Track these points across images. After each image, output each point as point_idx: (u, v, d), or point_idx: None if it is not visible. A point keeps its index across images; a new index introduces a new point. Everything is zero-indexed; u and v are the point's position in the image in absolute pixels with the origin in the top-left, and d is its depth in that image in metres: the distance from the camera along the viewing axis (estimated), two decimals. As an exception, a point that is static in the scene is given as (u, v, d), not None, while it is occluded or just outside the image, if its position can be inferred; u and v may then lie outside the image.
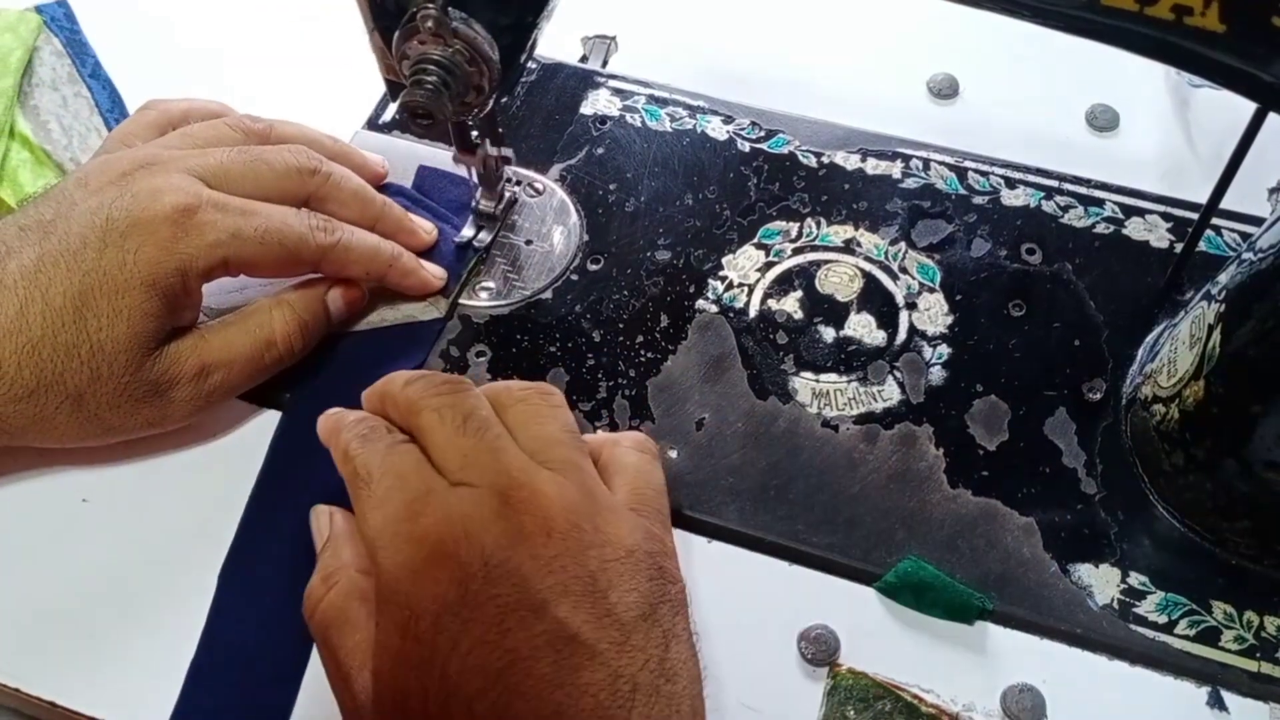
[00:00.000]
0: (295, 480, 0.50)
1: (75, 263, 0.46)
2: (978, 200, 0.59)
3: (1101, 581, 0.48)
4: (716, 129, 0.62)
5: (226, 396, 0.51)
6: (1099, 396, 0.52)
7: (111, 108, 0.64)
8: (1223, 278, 0.47)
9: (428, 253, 0.57)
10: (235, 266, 0.49)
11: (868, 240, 0.58)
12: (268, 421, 0.53)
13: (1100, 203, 0.58)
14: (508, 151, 0.55)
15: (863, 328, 0.55)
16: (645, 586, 0.41)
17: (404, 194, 0.59)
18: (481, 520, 0.40)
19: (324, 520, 0.46)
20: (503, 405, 0.45)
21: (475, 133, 0.54)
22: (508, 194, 0.58)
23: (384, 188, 0.58)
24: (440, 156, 0.60)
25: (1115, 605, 0.47)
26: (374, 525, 0.41)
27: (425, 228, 0.56)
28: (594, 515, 0.41)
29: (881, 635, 0.47)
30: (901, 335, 0.55)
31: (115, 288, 0.46)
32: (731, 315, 0.55)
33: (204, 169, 0.49)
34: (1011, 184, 0.59)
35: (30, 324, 0.46)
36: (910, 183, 0.60)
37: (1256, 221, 0.57)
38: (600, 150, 0.61)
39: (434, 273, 0.55)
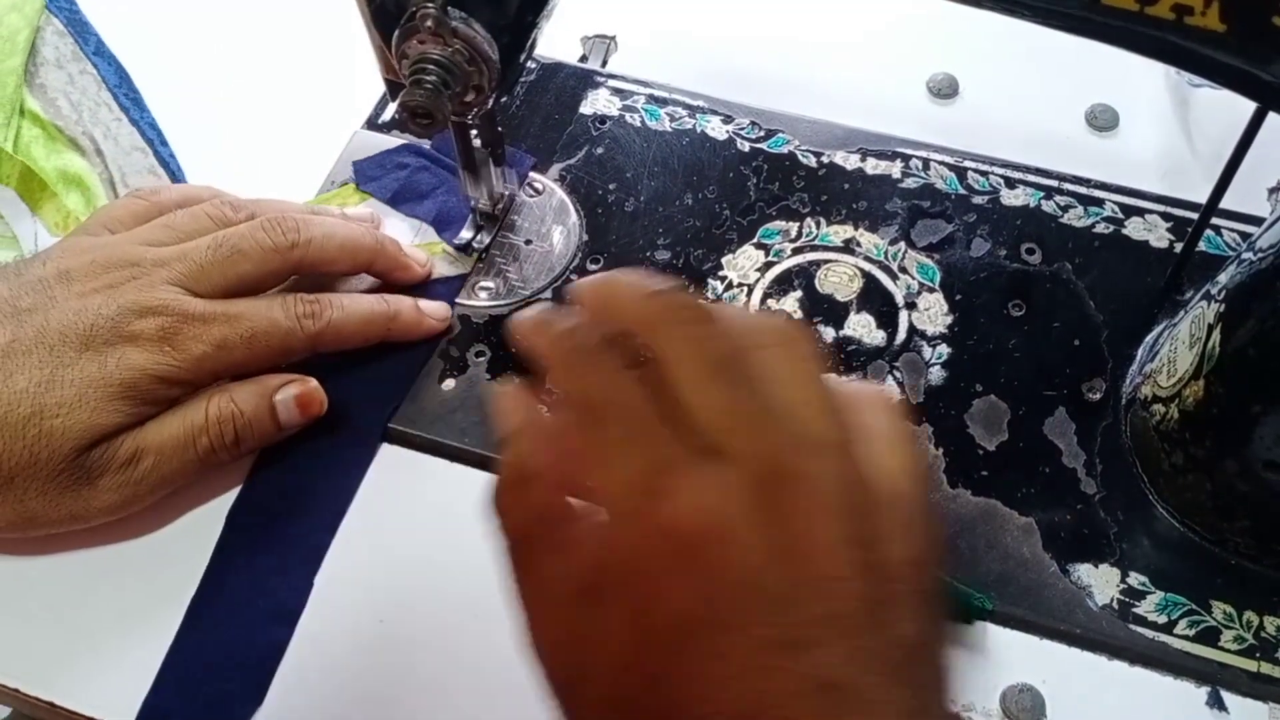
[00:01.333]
0: (309, 441, 0.51)
1: (50, 356, 0.45)
2: (977, 200, 0.59)
3: (1101, 581, 0.48)
4: (716, 129, 0.62)
5: (156, 489, 0.48)
6: (1098, 396, 0.52)
7: (119, 83, 0.64)
8: (1222, 277, 0.47)
9: (449, 218, 0.57)
10: (224, 374, 0.49)
11: (867, 240, 0.58)
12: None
13: (1100, 202, 0.58)
14: (512, 184, 0.56)
15: (862, 327, 0.55)
16: (924, 613, 0.32)
17: (423, 154, 0.60)
18: (742, 518, 0.31)
19: (513, 403, 0.38)
20: (741, 351, 0.34)
21: (477, 140, 0.54)
22: (506, 193, 0.58)
23: (403, 149, 0.60)
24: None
25: (1115, 605, 0.47)
26: (604, 486, 0.33)
27: (419, 260, 0.55)
28: (876, 518, 0.32)
29: (881, 635, 0.47)
30: (901, 335, 0.55)
31: (88, 381, 0.45)
32: (731, 315, 0.55)
33: (185, 275, 0.48)
34: (1011, 184, 0.59)
35: None
36: (910, 182, 0.60)
37: (1256, 221, 0.57)
38: (600, 150, 0.61)
39: (436, 316, 0.54)
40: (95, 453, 0.46)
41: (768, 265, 0.57)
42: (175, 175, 0.61)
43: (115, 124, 0.62)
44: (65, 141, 0.61)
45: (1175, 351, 0.48)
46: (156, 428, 0.47)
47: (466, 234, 0.57)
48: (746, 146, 0.61)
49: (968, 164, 0.60)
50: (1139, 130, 0.63)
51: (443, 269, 0.57)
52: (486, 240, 0.57)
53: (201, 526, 0.50)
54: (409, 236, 0.58)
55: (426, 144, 0.60)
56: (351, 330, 0.51)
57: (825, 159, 0.61)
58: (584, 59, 0.66)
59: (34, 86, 0.63)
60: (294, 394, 0.50)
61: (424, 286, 0.55)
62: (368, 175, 0.60)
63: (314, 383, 0.51)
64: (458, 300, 0.56)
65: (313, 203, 0.59)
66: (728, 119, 0.62)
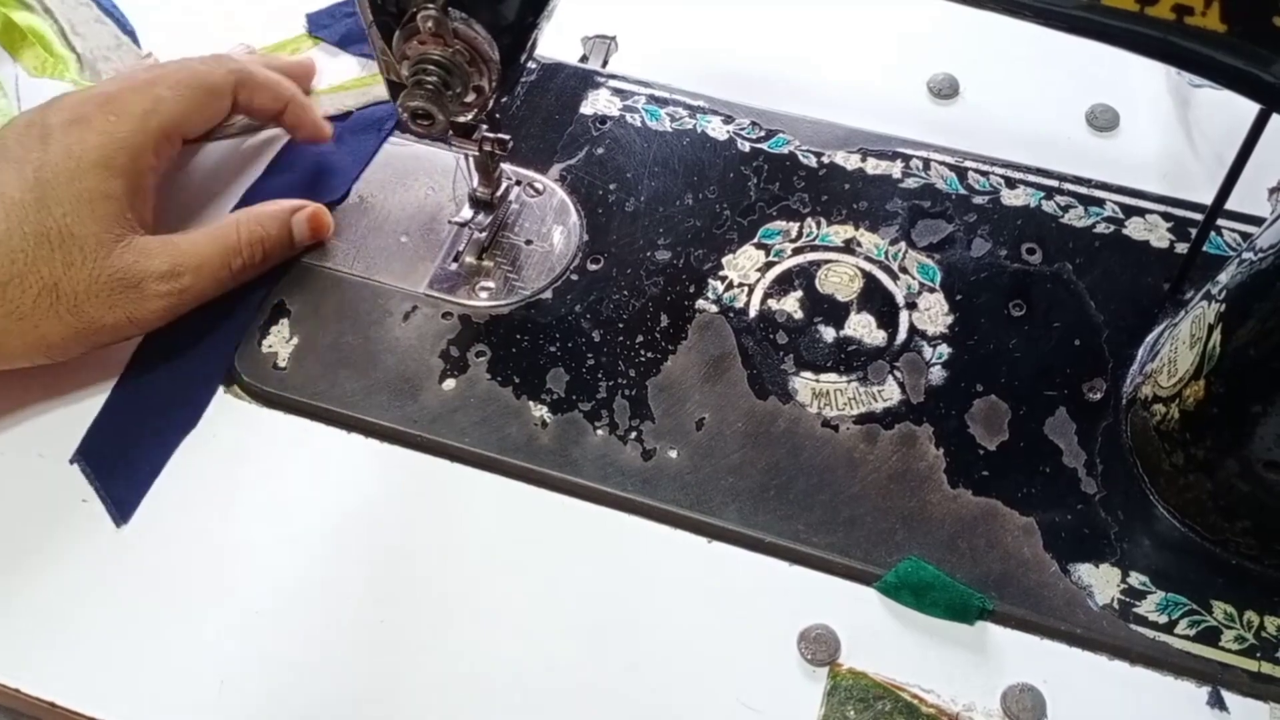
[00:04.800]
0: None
1: (21, 162, 0.50)
2: (978, 200, 0.59)
3: (1102, 581, 0.48)
4: (716, 129, 0.62)
5: (197, 300, 0.54)
6: (1099, 396, 0.52)
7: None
8: (1223, 277, 0.47)
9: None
10: (173, 130, 0.54)
11: (868, 240, 0.58)
12: (272, 424, 0.53)
13: (1100, 203, 0.58)
14: (504, 136, 0.55)
15: (863, 327, 0.55)
16: None
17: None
18: None
19: None
20: None
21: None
22: (504, 183, 0.58)
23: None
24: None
25: (1115, 605, 0.47)
26: None
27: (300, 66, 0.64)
28: None
29: (882, 635, 0.47)
30: (901, 335, 0.55)
31: (70, 174, 0.50)
32: (731, 315, 0.55)
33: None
34: (1012, 184, 0.59)
35: None
36: (910, 182, 0.60)
37: (1257, 221, 0.57)
38: (600, 150, 0.61)
39: (320, 122, 0.60)
40: (129, 254, 0.51)
41: (768, 265, 0.57)
42: (121, 23, 0.66)
43: None
44: (14, 4, 0.65)
45: (1176, 351, 0.48)
46: (189, 245, 0.53)
47: (466, 213, 0.57)
48: (747, 146, 0.61)
49: (968, 164, 0.60)
50: (1139, 130, 0.63)
51: (383, 92, 0.61)
52: (484, 221, 0.57)
53: (208, 525, 0.50)
54: (357, 71, 0.65)
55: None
56: (262, 80, 0.57)
57: (826, 159, 0.61)
58: (584, 59, 0.66)
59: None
60: (306, 216, 0.57)
61: (371, 110, 0.62)
62: (320, 24, 0.67)
63: (323, 207, 0.58)
64: (460, 301, 0.56)
65: (266, 50, 0.65)
66: (728, 119, 0.62)
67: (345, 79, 0.65)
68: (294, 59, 0.64)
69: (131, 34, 0.66)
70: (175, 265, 0.52)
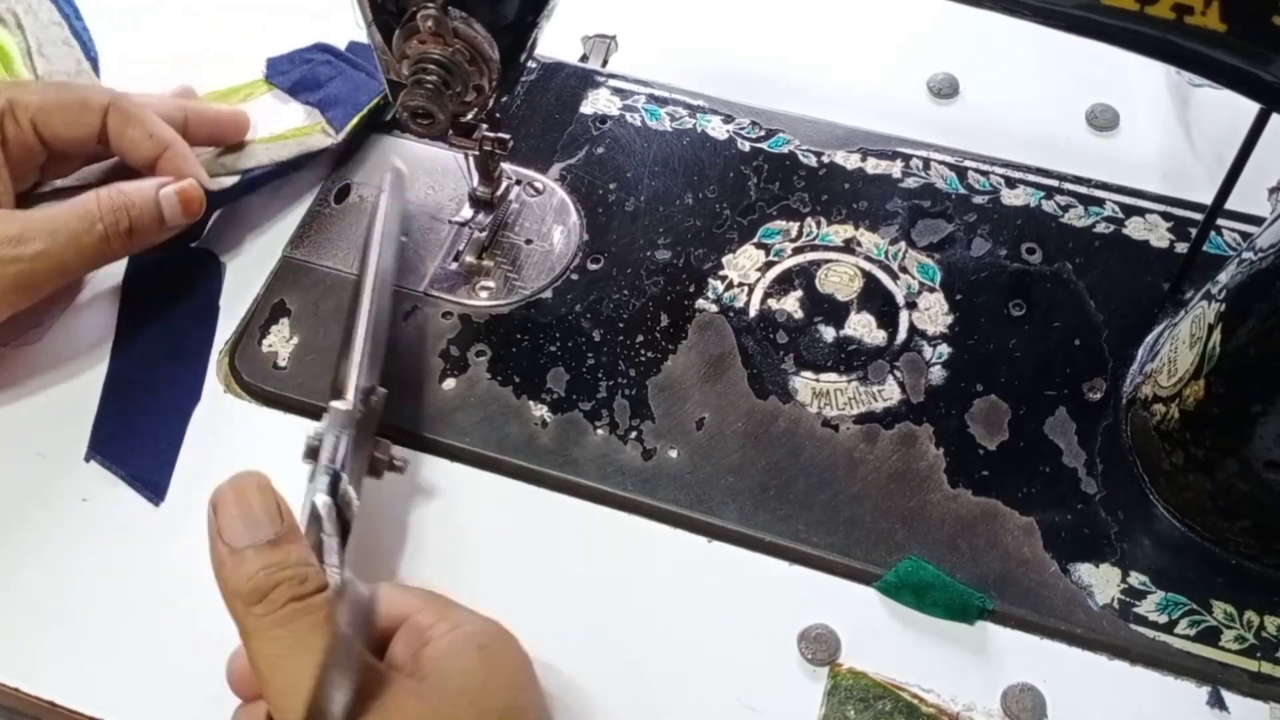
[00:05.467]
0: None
1: None
2: (978, 200, 0.59)
3: (1102, 581, 0.48)
4: (716, 128, 0.62)
5: (54, 274, 0.51)
6: (1099, 396, 0.52)
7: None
8: (1223, 277, 0.47)
9: (335, 100, 0.62)
10: (23, 111, 0.51)
11: (868, 240, 0.58)
12: (272, 424, 0.53)
13: (1100, 202, 0.58)
14: (504, 135, 0.55)
15: (863, 327, 0.55)
16: None
17: (328, 50, 0.64)
18: None
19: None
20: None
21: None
22: (504, 183, 0.58)
23: (313, 47, 0.65)
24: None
25: (1115, 605, 0.47)
26: None
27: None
28: None
29: (882, 635, 0.47)
30: (902, 335, 0.55)
31: None
32: (731, 315, 0.55)
33: None
34: (1012, 183, 0.59)
35: None
36: (910, 182, 0.60)
37: (1256, 221, 0.57)
38: (600, 150, 0.61)
39: (201, 179, 0.55)
40: None
41: (768, 265, 0.57)
42: (87, 46, 0.65)
43: (36, 1, 0.65)
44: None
45: (1176, 351, 0.48)
46: (44, 214, 0.51)
47: (466, 213, 0.57)
48: (747, 146, 0.61)
49: (968, 164, 0.60)
50: (1139, 130, 0.63)
51: (318, 142, 0.60)
52: (485, 221, 0.57)
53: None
54: (302, 119, 0.62)
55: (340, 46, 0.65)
56: (135, 111, 0.54)
57: (826, 159, 0.61)
58: (584, 59, 0.66)
59: None
60: (176, 189, 0.53)
61: (297, 159, 0.59)
62: (278, 70, 0.65)
63: (194, 181, 0.54)
64: (460, 301, 0.56)
65: (220, 94, 0.63)
66: (728, 119, 0.62)
67: (287, 128, 0.61)
68: (227, 108, 0.61)
69: (94, 60, 0.64)
70: (24, 230, 0.49)
